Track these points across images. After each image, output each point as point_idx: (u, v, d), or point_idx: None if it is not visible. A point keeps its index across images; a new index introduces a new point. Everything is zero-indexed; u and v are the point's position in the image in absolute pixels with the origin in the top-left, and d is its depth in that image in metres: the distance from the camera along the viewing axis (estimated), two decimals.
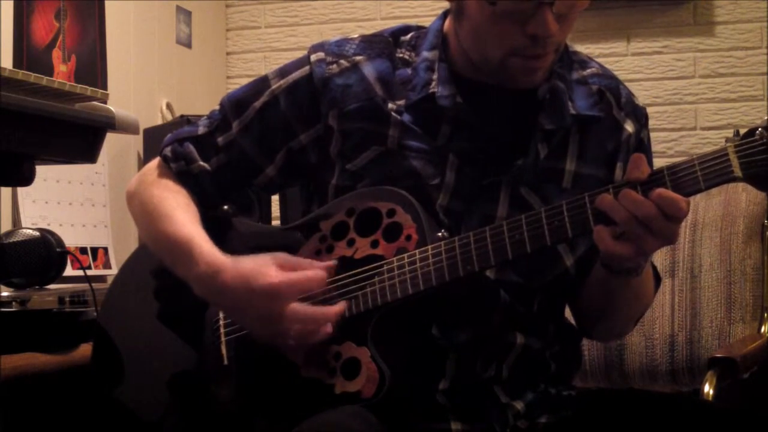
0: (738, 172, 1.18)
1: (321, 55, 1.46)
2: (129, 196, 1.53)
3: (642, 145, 1.49)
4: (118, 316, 1.55)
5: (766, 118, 1.20)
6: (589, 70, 1.48)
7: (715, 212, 2.28)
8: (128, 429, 1.49)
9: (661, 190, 1.21)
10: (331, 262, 1.35)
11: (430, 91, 1.41)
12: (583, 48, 3.32)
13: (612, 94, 1.47)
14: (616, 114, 1.46)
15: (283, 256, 1.34)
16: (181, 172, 1.49)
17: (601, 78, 1.48)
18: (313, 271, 1.33)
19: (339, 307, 1.32)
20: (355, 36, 1.49)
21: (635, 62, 3.28)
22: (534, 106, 1.41)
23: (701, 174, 1.20)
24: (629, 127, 1.47)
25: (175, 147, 1.51)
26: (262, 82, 1.49)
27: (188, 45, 3.42)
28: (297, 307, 1.30)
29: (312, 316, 1.31)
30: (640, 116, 1.49)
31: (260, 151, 1.47)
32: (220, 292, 1.34)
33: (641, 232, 1.22)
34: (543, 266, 1.36)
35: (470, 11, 1.36)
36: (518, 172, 1.39)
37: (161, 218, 1.43)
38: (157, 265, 1.48)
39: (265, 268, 1.31)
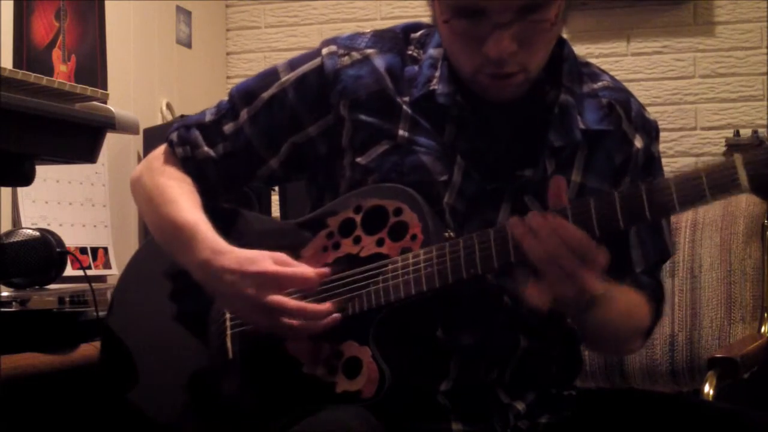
0: (745, 184, 1.16)
1: (333, 48, 1.46)
2: (133, 181, 1.54)
3: (651, 159, 1.47)
4: (125, 311, 1.56)
5: None
6: (599, 83, 1.47)
7: (715, 212, 2.28)
8: (133, 423, 1.49)
9: (562, 222, 1.21)
10: (325, 270, 1.35)
11: (431, 88, 1.41)
12: (583, 48, 3.34)
13: (622, 108, 1.45)
14: (625, 128, 1.44)
15: (280, 254, 1.35)
16: (185, 157, 1.50)
17: (611, 91, 1.46)
18: (304, 269, 1.33)
19: (325, 306, 1.32)
20: (367, 31, 1.50)
21: (635, 62, 3.28)
22: (537, 110, 1.41)
23: (708, 186, 1.18)
24: (638, 141, 1.45)
25: (181, 132, 1.52)
26: (272, 74, 1.49)
27: (188, 45, 3.42)
28: (282, 298, 1.31)
29: (296, 310, 1.31)
30: (650, 130, 1.47)
31: (265, 142, 1.48)
32: (217, 276, 1.35)
33: (552, 268, 1.21)
34: None
35: (437, 23, 1.37)
36: (523, 184, 1.39)
37: (165, 204, 1.44)
38: (163, 261, 1.48)
39: (259, 257, 1.33)
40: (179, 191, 1.46)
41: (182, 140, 1.51)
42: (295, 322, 1.32)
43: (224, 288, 1.35)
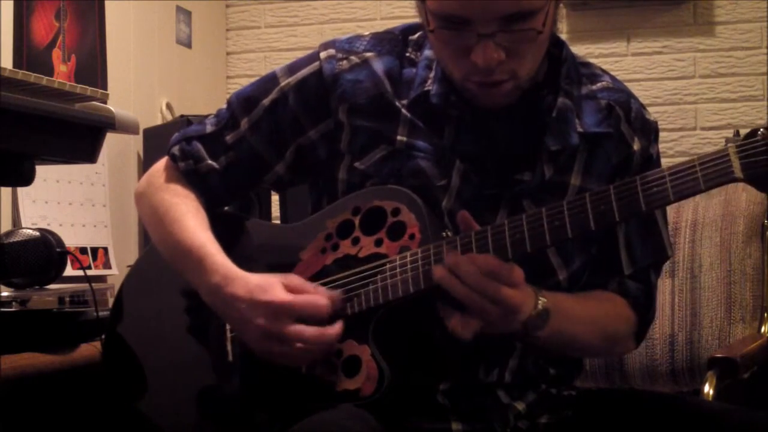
0: (739, 173, 1.18)
1: (331, 51, 1.46)
2: (138, 197, 1.54)
3: (650, 160, 1.45)
4: (129, 312, 1.56)
5: None
6: (598, 84, 1.46)
7: (715, 212, 2.28)
8: (132, 424, 1.49)
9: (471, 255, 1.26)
10: (337, 293, 1.34)
11: (425, 89, 1.41)
12: (583, 48, 3.34)
13: (622, 109, 1.44)
14: (624, 129, 1.44)
15: (292, 277, 1.35)
16: (188, 171, 1.49)
17: (610, 92, 1.46)
18: (317, 297, 1.33)
19: (337, 328, 1.32)
20: (366, 33, 1.49)
21: (635, 62, 3.28)
22: (535, 114, 1.40)
23: (701, 175, 1.19)
24: (636, 143, 1.44)
25: (183, 146, 1.51)
26: (271, 80, 1.49)
27: (188, 45, 3.41)
28: (297, 327, 1.30)
29: (314, 338, 1.30)
30: (649, 131, 1.47)
31: (270, 148, 1.47)
32: (228, 303, 1.35)
33: (475, 298, 1.24)
34: (536, 278, 1.33)
35: (426, 30, 1.37)
36: (521, 188, 1.39)
37: (171, 223, 1.44)
38: (165, 268, 1.48)
39: (271, 285, 1.33)
40: (184, 209, 1.45)
41: (184, 154, 1.50)
42: (309, 347, 1.31)
43: (235, 314, 1.35)
